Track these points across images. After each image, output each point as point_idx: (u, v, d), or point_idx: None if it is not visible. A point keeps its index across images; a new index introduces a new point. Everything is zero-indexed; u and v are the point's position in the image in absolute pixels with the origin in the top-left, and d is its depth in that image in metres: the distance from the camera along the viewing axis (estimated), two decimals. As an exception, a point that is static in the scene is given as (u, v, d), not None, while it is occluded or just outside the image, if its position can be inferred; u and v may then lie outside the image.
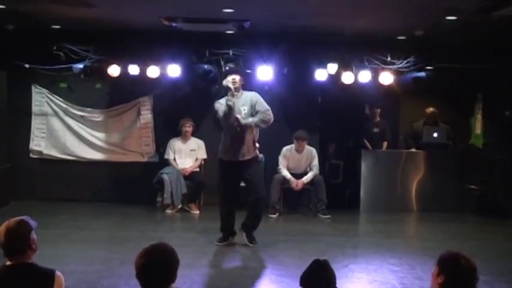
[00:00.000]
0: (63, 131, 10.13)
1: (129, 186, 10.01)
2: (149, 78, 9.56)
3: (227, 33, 8.95)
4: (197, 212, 9.52)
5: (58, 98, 10.08)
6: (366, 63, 9.57)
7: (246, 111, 7.05)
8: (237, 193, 7.35)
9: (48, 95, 10.07)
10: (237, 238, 7.44)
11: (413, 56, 9.51)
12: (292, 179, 9.42)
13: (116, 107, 10.14)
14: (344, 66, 9.53)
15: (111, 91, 10.17)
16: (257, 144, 7.40)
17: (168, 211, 9.41)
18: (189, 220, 9.22)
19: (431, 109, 10.33)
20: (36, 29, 9.14)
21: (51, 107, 10.09)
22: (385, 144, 10.58)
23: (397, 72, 9.67)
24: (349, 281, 5.96)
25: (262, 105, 7.07)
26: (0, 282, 3.14)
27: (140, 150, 10.19)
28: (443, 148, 10.23)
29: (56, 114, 10.10)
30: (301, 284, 3.11)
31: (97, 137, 10.17)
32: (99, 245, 7.41)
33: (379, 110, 10.58)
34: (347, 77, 9.51)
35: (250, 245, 7.26)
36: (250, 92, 7.24)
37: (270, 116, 7.05)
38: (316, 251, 7.00)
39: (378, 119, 10.62)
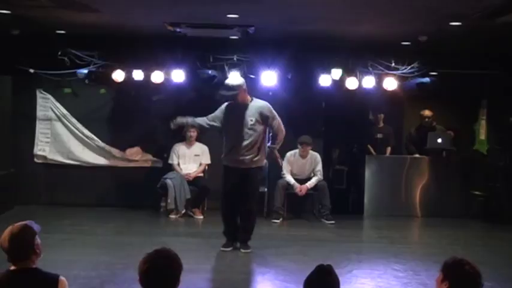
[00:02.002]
0: (68, 136, 10.15)
1: (133, 191, 10.01)
2: (153, 83, 9.57)
3: (231, 39, 8.96)
4: (201, 217, 9.52)
5: (61, 106, 10.11)
6: (370, 69, 9.57)
7: (253, 122, 7.04)
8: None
9: (53, 100, 10.09)
10: (237, 244, 7.41)
11: (417, 61, 9.50)
12: (296, 185, 9.42)
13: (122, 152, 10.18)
14: (348, 71, 9.53)
15: (116, 96, 10.20)
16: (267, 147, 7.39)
17: (172, 216, 9.41)
18: (192, 225, 9.22)
19: (427, 112, 10.30)
20: (41, 34, 9.17)
21: (56, 112, 10.11)
22: (388, 149, 10.56)
23: (401, 78, 9.65)
24: (353, 287, 5.96)
25: (276, 120, 7.12)
26: (4, 287, 3.15)
27: (145, 157, 10.21)
28: (447, 154, 10.21)
29: (60, 119, 10.12)
30: (304, 290, 3.11)
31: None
32: (103, 250, 7.42)
33: (382, 116, 10.57)
34: (351, 83, 9.51)
35: (242, 250, 7.22)
36: (261, 102, 7.17)
37: (283, 134, 7.25)
38: (320, 256, 6.99)
39: (381, 124, 10.61)
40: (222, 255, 7.14)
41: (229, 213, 7.30)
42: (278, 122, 7.15)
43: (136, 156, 10.16)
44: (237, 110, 7.09)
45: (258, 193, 7.60)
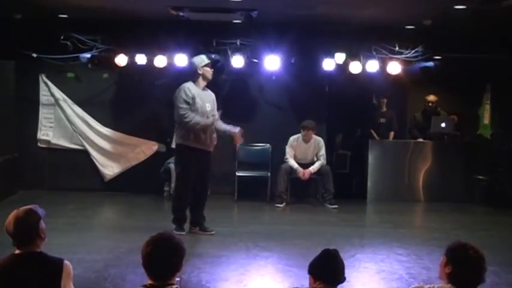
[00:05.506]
0: (71, 121, 10.12)
1: (137, 175, 10.02)
2: (156, 67, 9.55)
3: (234, 23, 8.93)
4: (204, 201, 9.52)
5: (63, 90, 10.09)
6: (374, 53, 9.52)
7: (209, 109, 7.33)
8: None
9: (55, 86, 10.06)
10: (240, 229, 7.43)
11: (421, 45, 9.45)
12: (299, 169, 9.41)
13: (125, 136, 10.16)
14: (352, 55, 9.49)
15: (119, 81, 10.17)
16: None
17: (175, 201, 9.41)
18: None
19: (431, 97, 10.28)
20: (44, 19, 9.13)
21: (59, 97, 10.08)
22: (391, 134, 10.54)
23: (405, 62, 9.61)
24: (356, 271, 5.97)
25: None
26: (9, 271, 3.16)
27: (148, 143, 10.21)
28: (449, 138, 10.20)
29: (63, 104, 10.09)
30: (309, 272, 3.12)
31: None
32: (107, 234, 7.47)
33: (385, 100, 10.54)
34: (355, 67, 9.47)
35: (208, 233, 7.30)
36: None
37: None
38: (323, 240, 6.99)
39: (384, 109, 10.58)
40: (225, 239, 7.15)
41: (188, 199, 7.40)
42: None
43: (147, 151, 10.15)
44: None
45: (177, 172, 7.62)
